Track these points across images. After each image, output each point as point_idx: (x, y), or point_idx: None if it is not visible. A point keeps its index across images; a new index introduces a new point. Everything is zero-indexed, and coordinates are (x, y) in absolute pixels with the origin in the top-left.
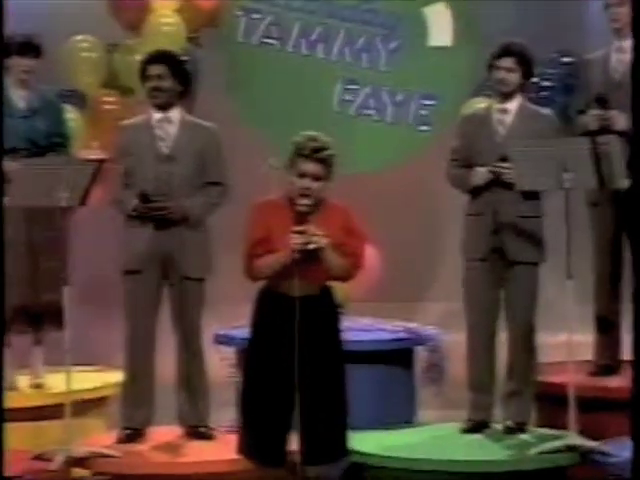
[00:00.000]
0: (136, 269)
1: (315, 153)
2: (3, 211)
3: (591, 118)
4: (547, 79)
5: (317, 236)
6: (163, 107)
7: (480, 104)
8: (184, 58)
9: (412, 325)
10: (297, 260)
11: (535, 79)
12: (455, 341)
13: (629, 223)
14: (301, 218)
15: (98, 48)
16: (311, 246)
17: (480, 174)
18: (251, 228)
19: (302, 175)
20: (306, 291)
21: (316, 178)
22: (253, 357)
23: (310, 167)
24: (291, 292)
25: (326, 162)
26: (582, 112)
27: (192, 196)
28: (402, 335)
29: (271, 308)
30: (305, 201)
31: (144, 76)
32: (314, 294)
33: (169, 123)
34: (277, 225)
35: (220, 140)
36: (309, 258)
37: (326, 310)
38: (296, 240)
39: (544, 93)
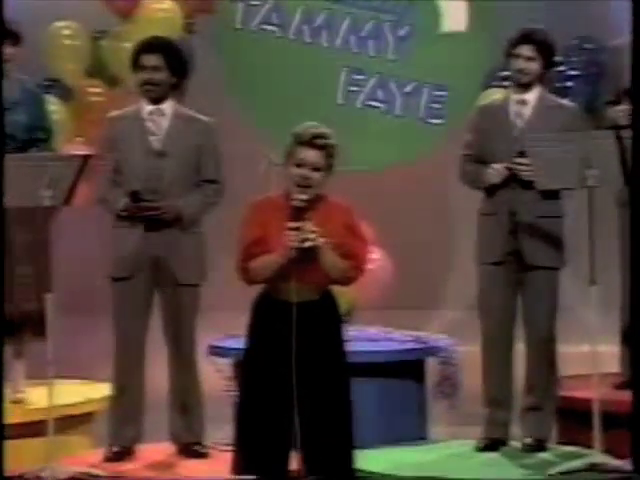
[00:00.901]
0: (125, 275)
1: (315, 139)
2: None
3: (621, 112)
4: (568, 68)
5: (314, 233)
6: (156, 99)
7: (496, 95)
8: (181, 47)
9: (423, 334)
10: (293, 260)
11: (556, 68)
12: (469, 352)
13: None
14: (298, 214)
15: (82, 35)
16: (307, 244)
17: (496, 171)
18: (246, 227)
19: (300, 164)
20: (305, 296)
21: (315, 168)
22: (250, 369)
23: (309, 154)
24: (290, 298)
25: (326, 150)
26: (611, 103)
27: (186, 195)
28: (412, 345)
29: (268, 315)
30: (302, 195)
31: (137, 66)
32: (313, 299)
33: (161, 115)
34: (274, 224)
35: (216, 134)
36: (306, 258)
37: (327, 317)
38: (291, 237)
39: (565, 83)
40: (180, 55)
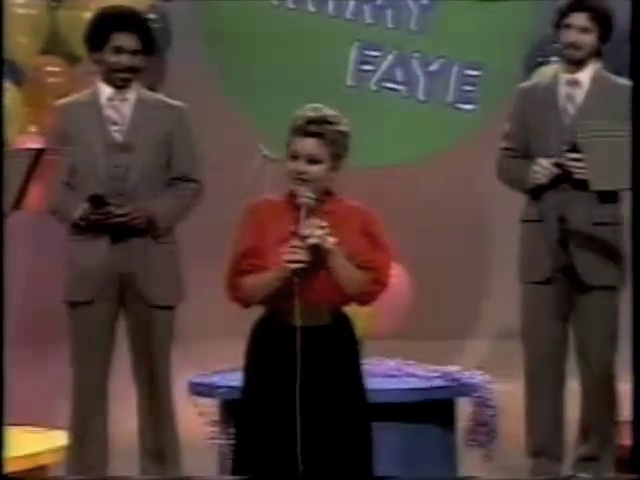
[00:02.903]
0: (85, 299)
1: (309, 125)
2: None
3: None
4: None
5: (321, 229)
6: (121, 85)
7: (542, 74)
8: (151, 17)
9: (452, 369)
10: (298, 273)
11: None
12: (509, 390)
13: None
14: (305, 213)
15: (38, 4)
16: (312, 240)
17: (542, 168)
18: (240, 235)
19: (294, 156)
20: (313, 319)
21: (312, 160)
22: (247, 411)
23: (303, 144)
24: (294, 321)
25: (327, 138)
26: None
27: (157, 196)
28: (439, 382)
29: (270, 344)
30: (307, 192)
31: (106, 46)
32: (324, 323)
33: (123, 101)
34: (272, 231)
35: (190, 122)
36: (313, 269)
37: (341, 346)
38: (294, 246)
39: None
40: (153, 33)
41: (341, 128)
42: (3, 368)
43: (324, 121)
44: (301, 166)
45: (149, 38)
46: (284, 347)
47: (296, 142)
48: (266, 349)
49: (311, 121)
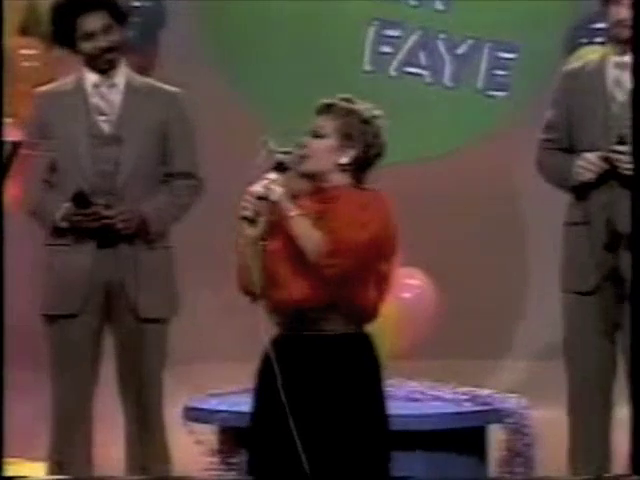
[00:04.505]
0: (67, 312)
1: (324, 105)
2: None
3: None
4: None
5: (274, 183)
6: (106, 68)
7: (588, 56)
8: None
9: (483, 392)
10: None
11: None
12: (549, 417)
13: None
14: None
15: None
16: (256, 190)
17: (588, 163)
18: None
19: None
20: (316, 325)
21: (318, 135)
22: (255, 439)
23: (314, 123)
24: (257, 292)
25: (334, 112)
26: None
27: (150, 195)
28: (468, 407)
29: (280, 359)
30: (302, 165)
31: (75, 34)
32: (333, 334)
33: (111, 87)
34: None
35: (187, 110)
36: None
37: (355, 361)
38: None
39: None
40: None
41: (355, 107)
42: (3, 368)
43: (339, 98)
44: (303, 140)
45: (116, 7)
46: (293, 360)
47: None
48: (266, 364)
49: (328, 104)
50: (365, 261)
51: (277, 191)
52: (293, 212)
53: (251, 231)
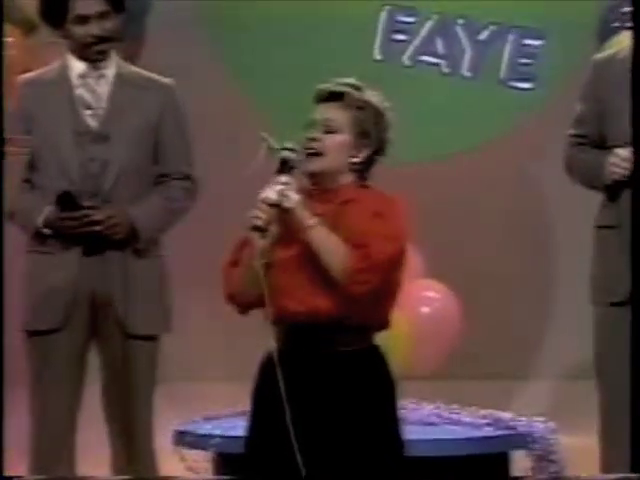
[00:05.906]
0: (49, 327)
1: (330, 92)
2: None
3: None
4: None
5: (287, 186)
6: (96, 58)
7: (619, 44)
8: None
9: (506, 415)
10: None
11: None
12: (578, 442)
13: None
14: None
15: None
16: (269, 197)
17: (621, 160)
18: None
19: (309, 125)
20: (320, 343)
21: (329, 130)
22: (255, 466)
23: (321, 111)
24: (267, 316)
25: (347, 102)
26: None
27: (140, 197)
28: (490, 432)
29: (269, 376)
30: (310, 165)
31: (70, 18)
32: (341, 350)
33: (99, 79)
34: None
35: (182, 105)
36: (291, 264)
37: (365, 381)
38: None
39: None
40: None
41: (368, 98)
42: (3, 368)
43: (347, 84)
44: (315, 134)
45: None
46: (298, 378)
47: (314, 111)
48: (273, 388)
49: (333, 91)
50: (393, 274)
51: (293, 197)
52: (312, 221)
53: (262, 242)
